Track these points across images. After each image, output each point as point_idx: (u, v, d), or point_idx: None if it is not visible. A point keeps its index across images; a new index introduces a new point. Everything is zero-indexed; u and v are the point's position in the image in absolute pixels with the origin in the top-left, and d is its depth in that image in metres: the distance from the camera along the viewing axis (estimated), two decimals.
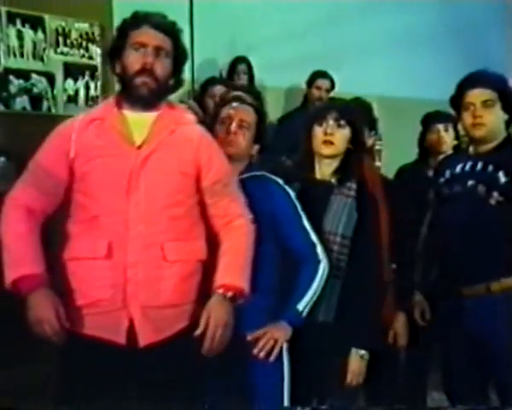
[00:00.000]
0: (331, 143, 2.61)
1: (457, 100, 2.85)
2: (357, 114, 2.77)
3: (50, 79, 4.14)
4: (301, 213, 2.51)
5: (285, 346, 2.46)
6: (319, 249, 2.48)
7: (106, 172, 2.22)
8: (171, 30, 2.31)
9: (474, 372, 2.79)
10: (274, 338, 2.41)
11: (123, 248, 2.19)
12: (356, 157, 2.68)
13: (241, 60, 5.00)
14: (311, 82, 5.16)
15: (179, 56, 2.34)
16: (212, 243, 2.35)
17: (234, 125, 2.53)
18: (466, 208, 2.75)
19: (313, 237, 2.50)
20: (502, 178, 2.69)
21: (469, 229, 2.72)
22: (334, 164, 2.65)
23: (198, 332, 2.22)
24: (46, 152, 2.32)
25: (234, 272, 2.31)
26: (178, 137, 2.29)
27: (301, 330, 2.46)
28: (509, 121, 2.84)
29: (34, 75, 4.12)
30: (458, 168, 2.85)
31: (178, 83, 2.38)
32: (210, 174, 2.32)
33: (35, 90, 4.12)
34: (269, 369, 2.45)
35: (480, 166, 2.77)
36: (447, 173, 2.89)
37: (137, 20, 2.30)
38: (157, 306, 2.22)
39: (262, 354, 2.40)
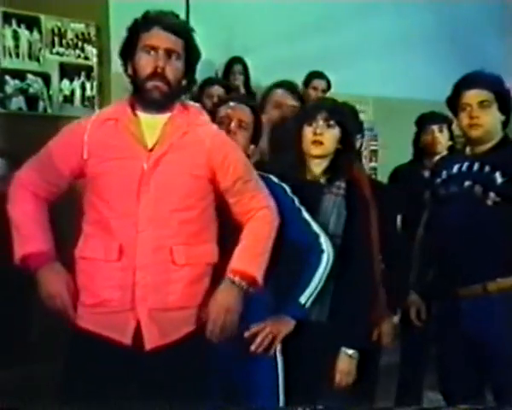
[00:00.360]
0: (320, 143, 2.61)
1: (454, 101, 2.87)
2: (347, 114, 2.77)
3: (46, 79, 4.12)
4: (300, 206, 2.51)
5: (278, 347, 2.47)
6: (322, 239, 2.48)
7: (117, 175, 2.23)
8: (182, 30, 2.29)
9: (470, 373, 2.80)
10: (273, 333, 2.42)
11: (132, 251, 2.20)
12: (345, 157, 2.68)
13: (236, 60, 4.97)
14: (307, 82, 5.12)
15: (191, 56, 2.32)
16: (225, 245, 2.35)
17: (233, 126, 2.53)
18: (463, 209, 2.76)
19: (315, 227, 2.49)
20: (498, 178, 2.71)
21: (466, 229, 2.73)
22: (324, 164, 2.65)
23: (202, 314, 2.25)
24: (56, 145, 2.34)
25: (247, 258, 2.31)
26: (190, 139, 2.28)
27: (296, 330, 2.45)
28: (506, 122, 2.86)
29: (30, 75, 4.08)
30: (455, 169, 2.86)
31: (191, 83, 2.38)
32: (228, 175, 2.31)
33: (31, 90, 4.09)
34: (263, 370, 2.46)
35: (476, 166, 2.79)
36: (444, 174, 2.90)
37: (148, 21, 2.28)
38: (165, 309, 2.23)
39: (259, 351, 2.41)
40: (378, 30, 5.59)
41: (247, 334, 2.41)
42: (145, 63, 2.24)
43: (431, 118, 4.07)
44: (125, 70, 2.33)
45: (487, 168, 2.75)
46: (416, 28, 5.73)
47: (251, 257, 2.31)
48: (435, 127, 4.01)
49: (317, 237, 2.48)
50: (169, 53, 2.25)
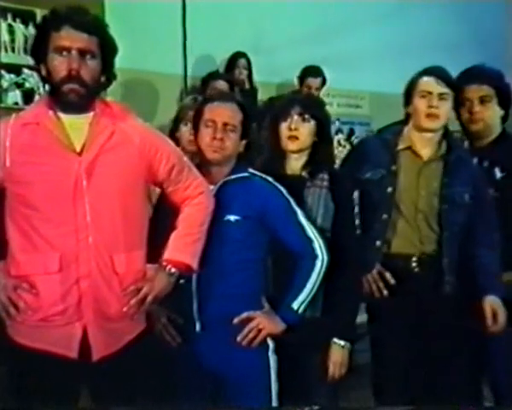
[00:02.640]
0: (296, 138, 2.56)
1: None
2: (321, 106, 2.72)
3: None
4: (296, 208, 2.45)
5: (271, 346, 2.44)
6: (316, 245, 2.43)
7: (48, 182, 2.10)
8: (95, 28, 2.15)
9: (471, 371, 2.77)
10: (259, 328, 2.39)
11: (75, 260, 2.11)
12: (324, 149, 2.62)
13: (240, 55, 4.92)
14: (302, 78, 5.10)
15: (107, 53, 2.20)
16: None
17: (219, 133, 2.42)
18: None
19: (309, 232, 2.44)
20: (497, 173, 2.70)
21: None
22: (303, 158, 2.60)
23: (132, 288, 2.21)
24: None
25: (181, 246, 2.28)
26: (119, 139, 2.19)
27: (291, 328, 2.42)
28: (505, 117, 2.84)
29: (26, 70, 4.08)
30: None
31: (110, 79, 2.25)
32: (162, 166, 2.26)
33: (27, 84, 4.09)
34: (255, 369, 2.42)
35: (475, 161, 2.76)
36: None
37: (57, 19, 2.13)
38: (110, 318, 2.17)
39: (244, 343, 2.38)
40: (376, 31, 5.60)
41: (236, 320, 2.38)
42: (58, 65, 2.10)
43: None
44: (39, 72, 2.19)
45: (486, 163, 2.74)
46: (412, 28, 5.75)
47: (185, 245, 2.28)
48: None
49: (310, 242, 2.43)
50: (83, 53, 2.11)
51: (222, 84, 4.27)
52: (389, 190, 2.71)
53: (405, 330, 2.71)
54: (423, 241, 2.72)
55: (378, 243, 2.73)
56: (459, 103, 2.81)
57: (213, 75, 4.49)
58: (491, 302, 2.61)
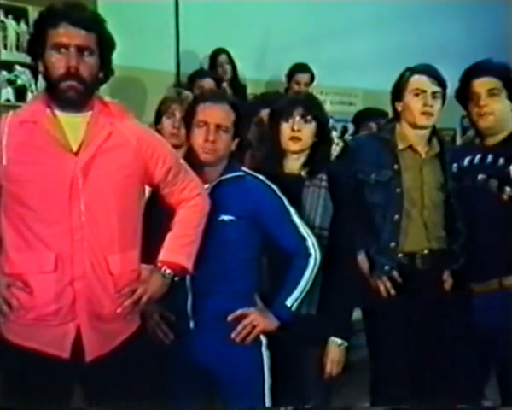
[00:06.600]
0: (299, 139, 2.55)
1: (463, 92, 2.78)
2: (322, 107, 2.72)
3: (34, 70, 4.05)
4: (289, 207, 2.43)
5: (264, 342, 2.43)
6: (309, 243, 2.42)
7: (43, 182, 2.08)
8: (93, 24, 2.11)
9: (477, 370, 2.75)
10: (253, 324, 2.39)
11: (69, 260, 2.08)
12: (323, 149, 2.63)
13: (220, 51, 4.88)
14: (290, 76, 5.04)
15: (106, 49, 2.16)
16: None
17: (211, 135, 2.40)
18: (476, 203, 2.69)
19: (303, 230, 2.43)
20: None
21: (480, 224, 2.66)
22: (302, 158, 2.60)
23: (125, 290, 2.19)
24: None
25: (176, 248, 2.27)
26: (116, 140, 2.15)
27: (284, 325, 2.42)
28: None
29: (18, 67, 4.07)
30: (466, 161, 2.78)
31: (108, 74, 2.22)
32: (158, 167, 2.24)
33: (19, 81, 4.10)
34: (248, 365, 2.42)
35: (490, 158, 2.70)
36: (454, 167, 2.81)
37: (55, 16, 2.09)
38: (105, 319, 2.15)
39: (238, 339, 2.38)
40: (370, 31, 5.61)
41: (230, 317, 2.38)
42: (56, 63, 2.07)
43: (367, 115, 4.04)
44: (36, 68, 2.16)
45: (501, 161, 2.67)
46: (407, 29, 5.78)
47: (180, 247, 2.27)
48: (372, 124, 3.97)
49: (304, 240, 2.42)
50: (81, 50, 2.08)
51: (209, 82, 4.23)
52: (398, 190, 2.71)
53: (407, 328, 2.71)
54: (430, 238, 2.73)
55: (392, 244, 2.72)
56: (467, 99, 2.75)
57: (200, 73, 4.45)
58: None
